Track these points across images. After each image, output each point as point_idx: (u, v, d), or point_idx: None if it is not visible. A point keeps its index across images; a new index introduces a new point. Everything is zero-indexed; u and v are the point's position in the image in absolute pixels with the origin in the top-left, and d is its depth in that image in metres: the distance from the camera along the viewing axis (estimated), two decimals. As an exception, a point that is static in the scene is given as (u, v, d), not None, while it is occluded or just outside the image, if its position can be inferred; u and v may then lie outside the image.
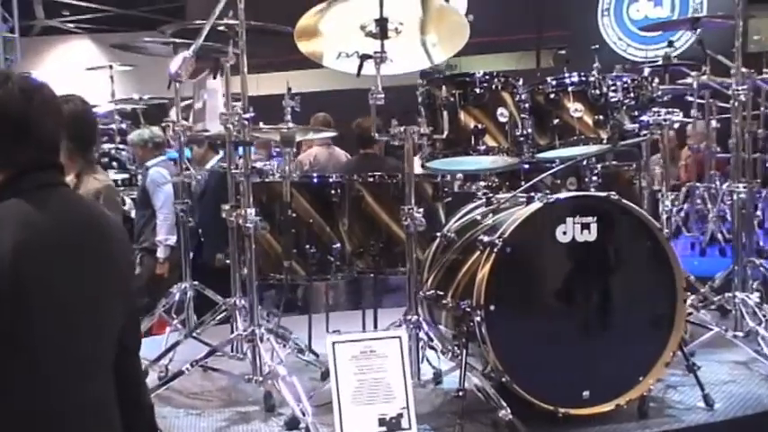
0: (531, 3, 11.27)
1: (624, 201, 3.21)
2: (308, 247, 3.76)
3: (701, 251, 6.85)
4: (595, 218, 3.16)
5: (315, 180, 3.94)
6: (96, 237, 1.78)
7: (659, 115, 3.60)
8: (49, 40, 17.45)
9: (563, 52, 6.66)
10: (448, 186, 3.96)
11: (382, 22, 3.43)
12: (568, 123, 3.55)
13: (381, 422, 3.04)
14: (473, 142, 3.37)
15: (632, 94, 3.74)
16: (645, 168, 4.38)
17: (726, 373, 3.78)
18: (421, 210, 3.35)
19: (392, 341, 3.16)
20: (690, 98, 5.90)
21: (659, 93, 3.76)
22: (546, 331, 3.13)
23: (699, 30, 4.65)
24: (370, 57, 3.38)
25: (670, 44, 5.07)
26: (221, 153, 6.53)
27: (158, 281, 5.82)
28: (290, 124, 3.71)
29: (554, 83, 3.56)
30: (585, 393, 3.13)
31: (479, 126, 3.37)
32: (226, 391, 3.71)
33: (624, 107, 3.62)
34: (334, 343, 3.11)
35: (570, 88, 3.55)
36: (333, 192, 3.79)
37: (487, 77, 3.42)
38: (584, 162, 3.85)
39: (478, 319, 3.03)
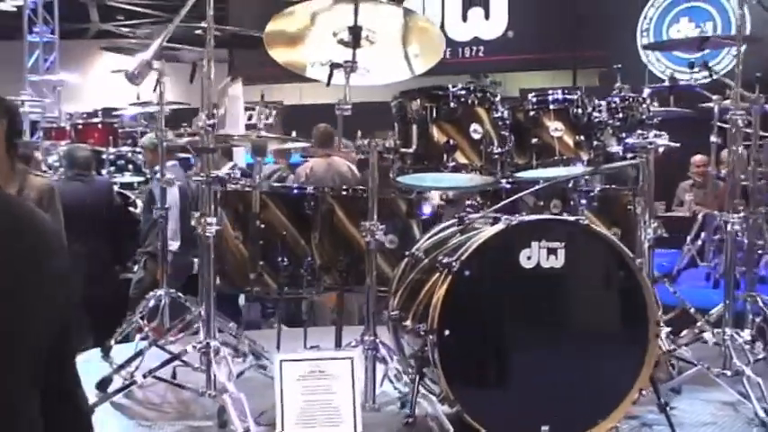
0: (569, 21, 11.09)
1: (595, 226, 3.04)
2: (279, 259, 3.66)
3: (715, 282, 6.58)
4: (563, 243, 2.99)
5: (291, 191, 3.83)
6: (13, 237, 1.69)
7: (644, 138, 3.40)
8: (101, 43, 17.68)
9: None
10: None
11: (356, 31, 3.31)
12: (547, 143, 3.39)
13: (326, 446, 2.92)
14: (443, 158, 3.24)
15: (620, 115, 3.58)
16: (641, 193, 4.18)
17: (708, 413, 3.56)
18: (383, 227, 3.22)
19: (343, 362, 3.04)
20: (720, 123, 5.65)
21: (650, 114, 3.57)
22: (504, 361, 2.98)
23: (706, 50, 4.44)
24: (339, 66, 3.27)
25: (705, 66, 4.82)
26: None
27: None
28: (262, 132, 3.61)
29: (534, 100, 3.41)
30: (545, 428, 2.95)
31: (450, 142, 3.23)
32: (185, 404, 3.59)
33: (609, 128, 3.45)
34: (281, 361, 3.00)
35: (552, 106, 3.40)
36: (306, 204, 3.68)
37: (462, 92, 3.28)
38: (570, 184, 3.70)
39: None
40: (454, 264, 2.90)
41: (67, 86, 11.36)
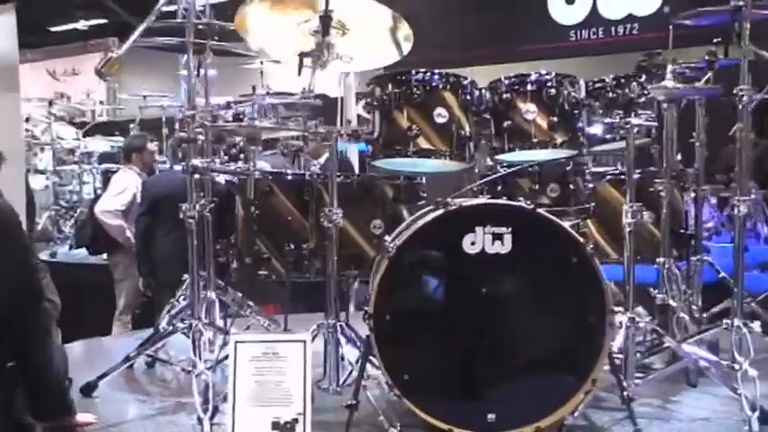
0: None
1: (542, 210, 2.93)
2: (286, 245, 3.75)
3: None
4: (510, 228, 2.91)
5: (290, 177, 3.90)
6: None
7: (622, 119, 3.23)
8: None
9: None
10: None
11: (325, 20, 3.34)
12: (520, 125, 3.30)
13: (275, 426, 2.98)
14: (406, 144, 3.22)
15: (611, 95, 3.43)
16: (665, 174, 3.96)
17: (710, 409, 3.34)
18: (339, 211, 3.25)
19: (296, 345, 3.10)
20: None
21: (636, 95, 3.39)
22: (447, 348, 2.93)
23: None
24: (308, 54, 3.31)
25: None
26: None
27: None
28: (256, 122, 3.72)
29: (507, 82, 3.33)
30: (491, 416, 2.89)
31: (412, 127, 3.21)
32: (181, 382, 3.77)
33: (586, 109, 3.31)
34: (236, 342, 3.10)
35: (525, 88, 3.30)
36: (305, 190, 3.75)
37: (426, 76, 3.24)
38: (568, 167, 3.58)
39: (369, 328, 2.90)
40: (391, 248, 2.90)
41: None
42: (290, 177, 3.80)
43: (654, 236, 4.10)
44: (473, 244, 2.90)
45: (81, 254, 7.21)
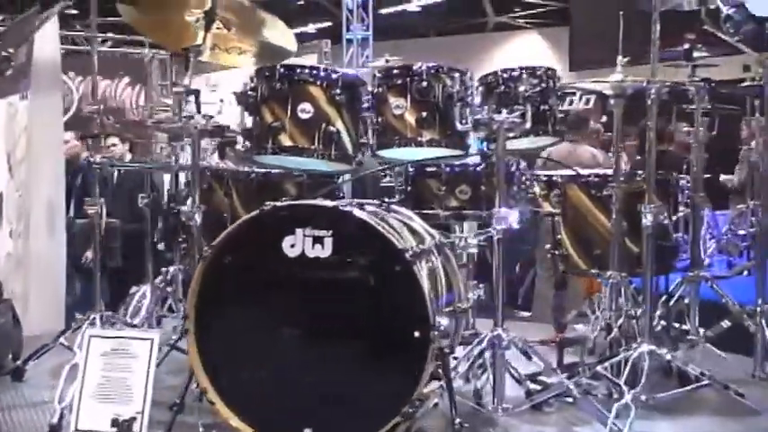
0: None
1: (362, 214, 2.71)
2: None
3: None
4: (330, 232, 2.71)
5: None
6: None
7: (488, 115, 2.91)
8: (498, 36, 18.84)
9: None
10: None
11: (210, 16, 3.29)
12: (389, 122, 3.08)
13: (114, 423, 2.98)
14: (267, 140, 3.10)
15: (502, 89, 3.12)
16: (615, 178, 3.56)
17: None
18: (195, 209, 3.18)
19: (144, 342, 3.08)
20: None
21: (525, 89, 3.05)
22: (265, 356, 2.78)
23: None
24: (186, 50, 3.28)
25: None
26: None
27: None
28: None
29: (380, 75, 3.12)
30: (307, 431, 2.73)
31: (273, 123, 3.09)
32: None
33: (460, 104, 3.02)
34: (90, 336, 3.13)
35: (394, 81, 3.07)
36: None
37: (291, 70, 3.10)
38: (479, 167, 3.32)
39: (183, 331, 2.82)
40: (207, 248, 2.80)
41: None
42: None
43: (629, 249, 3.69)
44: (293, 246, 2.74)
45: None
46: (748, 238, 6.09)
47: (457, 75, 3.04)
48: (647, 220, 2.96)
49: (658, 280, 4.17)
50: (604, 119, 6.84)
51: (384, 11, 19.10)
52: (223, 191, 3.65)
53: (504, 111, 2.89)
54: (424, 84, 3.01)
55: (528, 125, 3.00)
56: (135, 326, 3.64)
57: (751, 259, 5.79)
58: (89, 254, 6.07)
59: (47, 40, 5.45)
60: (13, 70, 5.57)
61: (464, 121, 2.99)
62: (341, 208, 2.71)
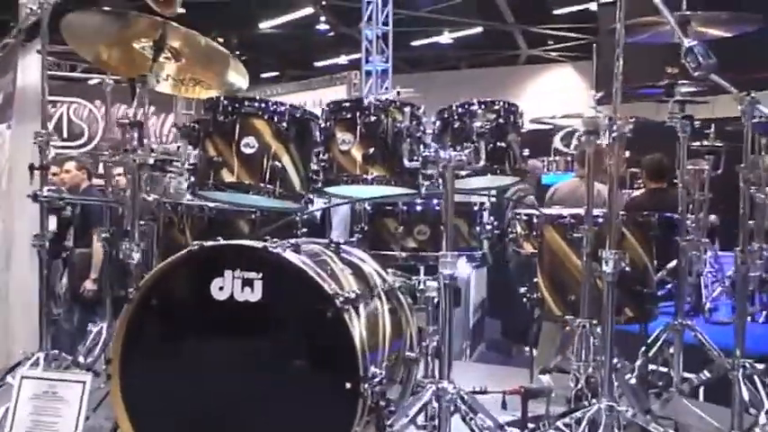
0: None
1: (293, 256, 2.55)
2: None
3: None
4: (261, 274, 2.56)
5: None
6: None
7: (435, 151, 2.74)
8: (530, 69, 18.88)
9: None
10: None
11: (159, 45, 3.18)
12: (334, 158, 2.93)
13: (40, 470, 2.86)
14: (209, 176, 2.96)
15: (458, 125, 2.95)
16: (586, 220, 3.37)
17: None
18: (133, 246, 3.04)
19: (75, 385, 2.94)
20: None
21: (480, 125, 2.89)
22: (192, 404, 2.62)
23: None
24: (133, 80, 3.17)
25: None
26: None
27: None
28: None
29: (328, 108, 2.97)
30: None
31: (214, 158, 2.94)
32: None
33: (410, 140, 2.86)
34: (22, 378, 3.00)
35: (342, 115, 2.92)
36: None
37: (234, 102, 2.96)
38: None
39: (107, 376, 2.67)
40: (132, 291, 2.66)
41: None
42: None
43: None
44: (221, 289, 2.59)
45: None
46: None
47: (407, 109, 2.88)
48: (607, 266, 2.74)
49: (647, 327, 3.99)
50: (627, 154, 6.68)
51: (416, 42, 19.35)
52: (178, 226, 3.51)
53: (451, 147, 2.73)
54: (372, 118, 2.86)
55: (481, 163, 2.83)
56: (79, 365, 3.48)
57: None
58: (87, 284, 6.11)
59: (30, 69, 5.40)
60: (2, 100, 5.54)
61: (414, 158, 2.82)
62: (270, 249, 2.55)
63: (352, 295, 2.53)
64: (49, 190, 3.35)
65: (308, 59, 20.09)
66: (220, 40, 18.58)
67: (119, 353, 2.67)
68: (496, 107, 3.01)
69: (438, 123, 3.03)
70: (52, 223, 6.17)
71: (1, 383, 3.62)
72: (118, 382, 2.67)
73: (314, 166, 2.98)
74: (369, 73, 13.44)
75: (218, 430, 2.61)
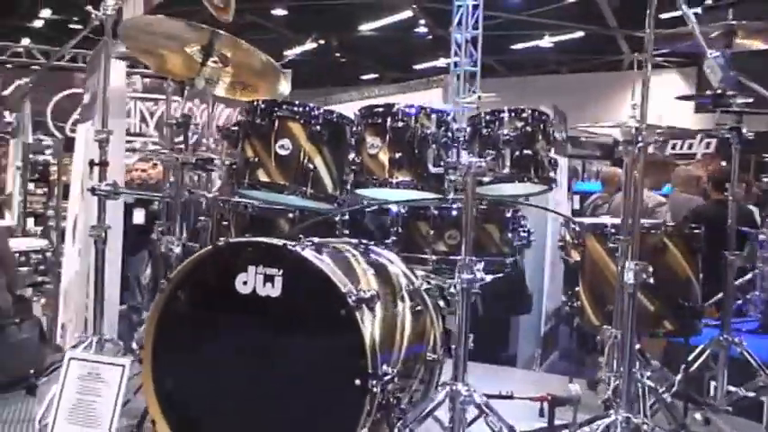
0: None
1: (311, 254, 2.65)
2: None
3: None
4: (281, 271, 2.67)
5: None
6: None
7: (458, 158, 2.79)
8: (634, 74, 18.71)
9: None
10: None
11: (207, 50, 3.33)
12: (363, 162, 3.02)
13: (78, 446, 3.05)
14: (245, 175, 3.10)
15: (487, 131, 3.00)
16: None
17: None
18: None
19: (116, 368, 3.12)
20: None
21: (507, 132, 2.92)
22: (217, 392, 2.75)
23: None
24: (182, 81, 3.33)
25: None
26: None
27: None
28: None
29: (359, 113, 3.06)
30: (249, 469, 2.68)
31: (252, 158, 3.08)
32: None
33: (436, 146, 2.92)
34: (70, 359, 3.20)
35: (373, 119, 3.01)
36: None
37: (271, 106, 3.09)
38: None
39: (139, 362, 2.84)
40: (163, 282, 2.81)
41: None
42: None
43: (645, 307, 3.48)
44: (245, 283, 2.72)
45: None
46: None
47: (435, 116, 2.95)
48: (627, 277, 2.73)
49: (688, 341, 3.92)
50: (723, 164, 6.54)
51: (517, 46, 19.23)
52: (222, 223, 3.67)
53: (469, 154, 2.78)
54: (401, 123, 2.94)
55: (506, 170, 2.87)
56: (132, 351, 3.69)
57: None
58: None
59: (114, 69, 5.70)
60: (90, 98, 5.88)
61: (439, 164, 2.89)
62: (289, 247, 2.66)
63: (368, 295, 2.61)
64: (137, 185, 3.55)
65: (407, 62, 20.25)
66: (321, 42, 18.99)
67: (151, 339, 2.83)
68: (525, 115, 3.04)
69: (468, 130, 3.08)
70: (140, 216, 6.55)
71: (59, 364, 3.88)
72: (149, 367, 2.83)
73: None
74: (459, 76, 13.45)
75: (234, 416, 2.73)
